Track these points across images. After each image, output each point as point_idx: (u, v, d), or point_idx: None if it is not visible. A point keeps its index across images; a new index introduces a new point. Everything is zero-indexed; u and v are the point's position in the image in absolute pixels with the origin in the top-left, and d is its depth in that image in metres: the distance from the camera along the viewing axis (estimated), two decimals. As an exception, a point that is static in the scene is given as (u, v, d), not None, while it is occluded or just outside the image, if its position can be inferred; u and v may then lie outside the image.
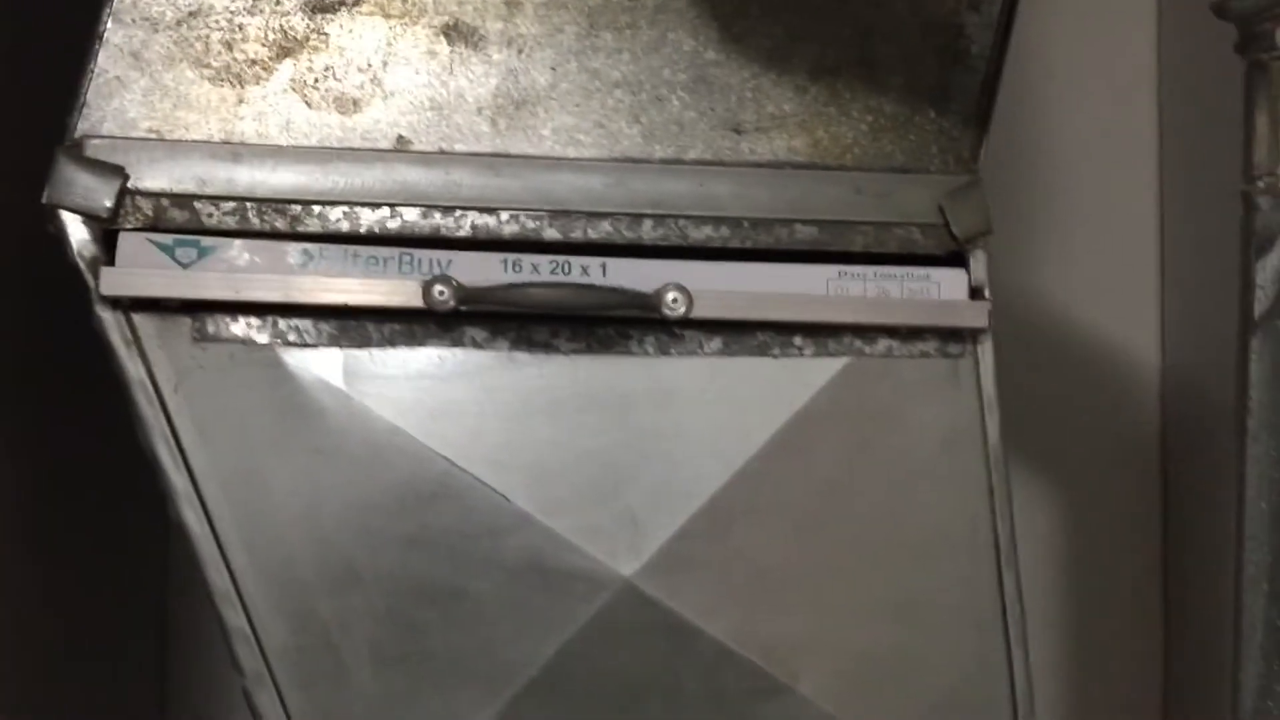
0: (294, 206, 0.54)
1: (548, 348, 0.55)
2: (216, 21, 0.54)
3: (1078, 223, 0.89)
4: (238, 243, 0.53)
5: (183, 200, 0.53)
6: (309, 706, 0.53)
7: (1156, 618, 0.89)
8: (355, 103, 0.55)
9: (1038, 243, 0.88)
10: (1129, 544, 0.89)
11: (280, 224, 0.54)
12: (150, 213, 0.53)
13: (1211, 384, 0.83)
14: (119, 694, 0.78)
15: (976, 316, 0.56)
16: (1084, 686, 0.88)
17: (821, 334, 0.56)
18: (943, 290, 0.57)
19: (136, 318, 0.52)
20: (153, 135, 0.54)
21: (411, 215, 0.55)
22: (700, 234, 0.56)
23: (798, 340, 0.56)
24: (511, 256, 0.55)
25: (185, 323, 0.53)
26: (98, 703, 0.74)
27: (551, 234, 0.55)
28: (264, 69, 0.54)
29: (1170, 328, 0.89)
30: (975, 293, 0.57)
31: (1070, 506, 0.89)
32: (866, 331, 0.57)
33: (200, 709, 0.83)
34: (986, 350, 0.57)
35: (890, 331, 0.57)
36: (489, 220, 0.55)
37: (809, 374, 0.56)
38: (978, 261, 0.57)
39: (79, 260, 0.52)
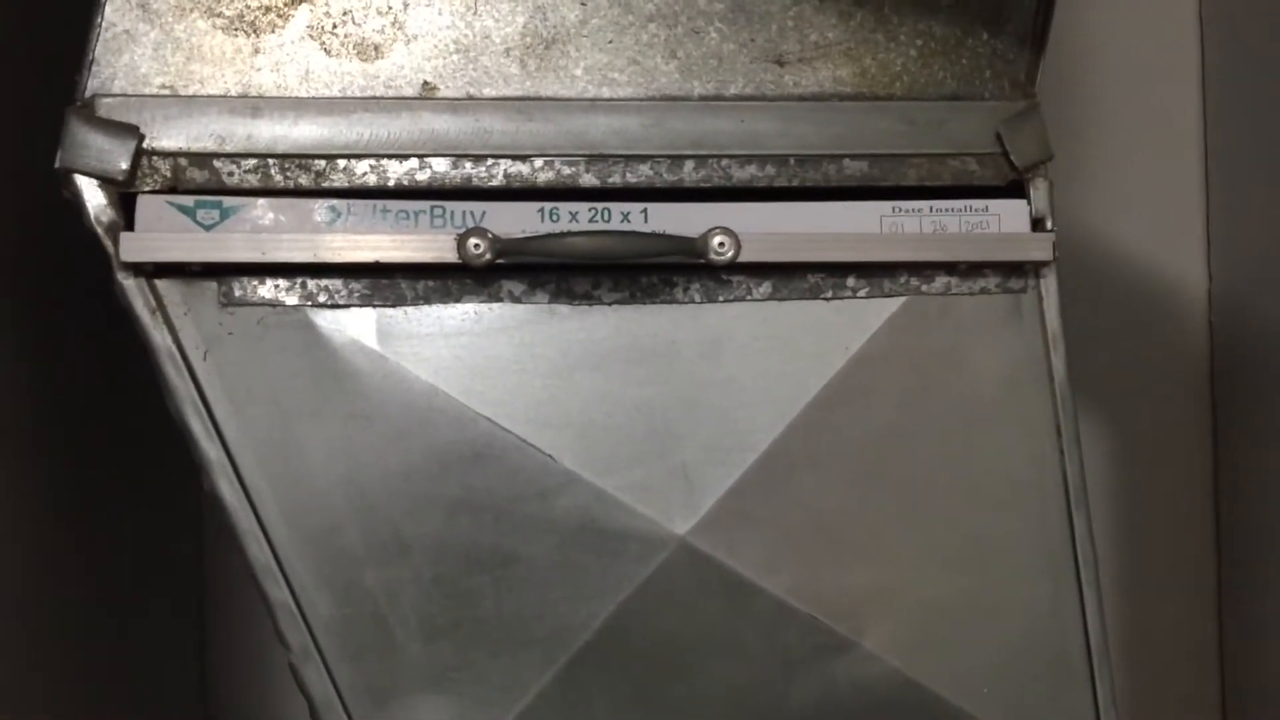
0: (318, 161, 0.51)
1: (589, 299, 0.53)
2: (227, -33, 0.51)
3: (1117, 143, 0.86)
4: (261, 202, 0.51)
5: (201, 159, 0.51)
6: (358, 679, 0.52)
7: (1209, 542, 0.87)
8: (376, 48, 0.52)
9: (1075, 165, 0.85)
10: (1179, 469, 0.87)
11: (304, 180, 0.51)
12: (168, 173, 0.50)
13: (1260, 304, 0.81)
14: (159, 673, 0.77)
15: (1040, 249, 0.53)
16: (1135, 618, 0.86)
17: (876, 273, 0.54)
18: (1003, 223, 0.54)
19: (160, 284, 0.50)
20: (166, 91, 0.51)
21: (441, 166, 0.52)
22: (744, 174, 0.53)
23: (851, 281, 0.54)
24: (548, 205, 0.52)
25: (211, 287, 0.51)
26: (138, 686, 0.73)
27: (589, 180, 0.53)
28: (279, 16, 0.52)
29: (1217, 248, 0.86)
30: (1037, 224, 0.54)
31: (1118, 434, 0.87)
32: (923, 269, 0.54)
33: (241, 690, 0.82)
34: (1051, 284, 0.54)
35: (948, 268, 0.54)
36: (522, 168, 0.53)
37: (864, 316, 0.54)
38: (1039, 191, 0.54)
39: (96, 226, 0.49)
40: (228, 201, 0.51)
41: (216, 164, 0.51)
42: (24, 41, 0.62)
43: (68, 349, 0.66)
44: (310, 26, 0.52)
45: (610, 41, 0.54)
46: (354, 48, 0.52)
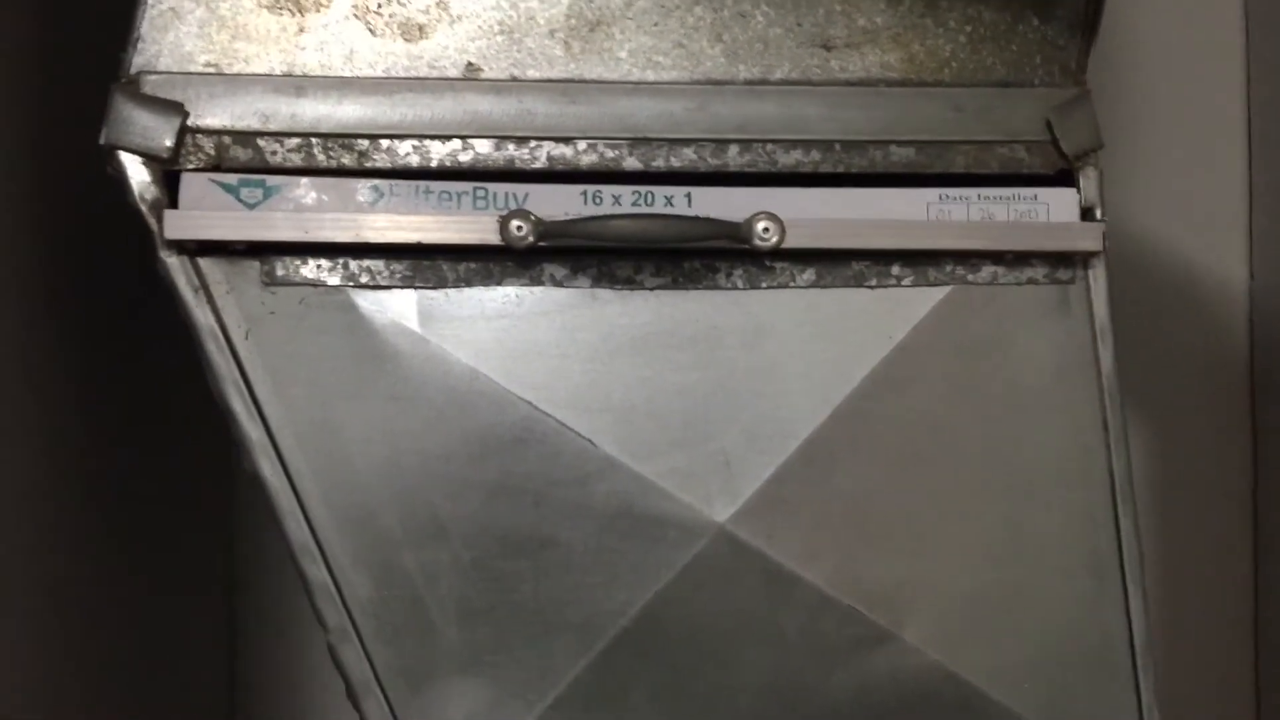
0: (361, 141, 0.51)
1: (631, 283, 0.52)
2: (273, -54, 0.51)
3: (1160, 138, 0.85)
4: (304, 181, 0.51)
5: (245, 137, 0.51)
6: (395, 660, 0.51)
7: (1247, 539, 0.86)
8: (421, 29, 0.52)
9: (1117, 161, 0.84)
10: (1218, 466, 0.86)
11: (347, 160, 0.51)
12: (212, 151, 0.50)
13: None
14: (187, 658, 0.77)
15: (1090, 239, 0.53)
16: (1171, 613, 0.85)
17: (922, 262, 0.53)
18: (1051, 212, 0.53)
19: (203, 262, 0.50)
20: (211, 69, 0.51)
21: (484, 147, 0.52)
22: (789, 159, 0.53)
23: (896, 269, 0.53)
24: (591, 188, 0.52)
25: (254, 266, 0.50)
26: (166, 671, 0.73)
27: (632, 163, 0.52)
28: (324, -5, 0.51)
29: (1259, 245, 0.85)
30: (1086, 213, 0.53)
31: (1157, 431, 0.86)
32: (970, 258, 0.53)
33: (270, 678, 0.82)
34: (1100, 275, 0.53)
35: (995, 257, 0.53)
36: (565, 150, 0.52)
37: (909, 305, 0.53)
38: (1089, 180, 0.53)
39: (140, 203, 0.49)
40: (271, 180, 0.50)
41: (260, 143, 0.51)
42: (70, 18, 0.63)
43: (93, 344, 0.66)
44: (355, 6, 0.52)
45: (655, 24, 0.53)
46: (399, 28, 0.52)
